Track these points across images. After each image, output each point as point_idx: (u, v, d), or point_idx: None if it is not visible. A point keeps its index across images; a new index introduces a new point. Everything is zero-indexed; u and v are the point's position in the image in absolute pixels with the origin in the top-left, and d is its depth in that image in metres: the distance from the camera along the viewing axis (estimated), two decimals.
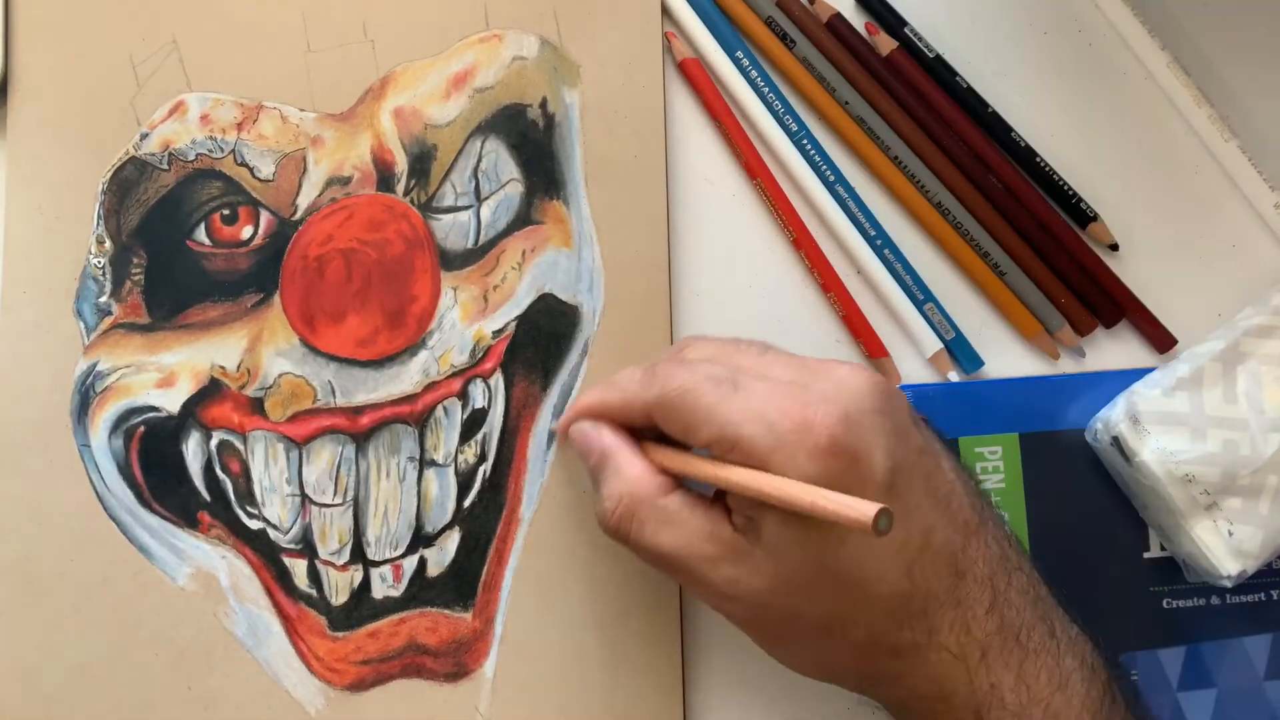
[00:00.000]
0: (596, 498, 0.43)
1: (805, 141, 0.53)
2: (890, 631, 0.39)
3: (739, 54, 0.53)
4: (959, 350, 0.52)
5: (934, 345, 0.52)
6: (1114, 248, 0.54)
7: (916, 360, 0.53)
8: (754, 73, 0.53)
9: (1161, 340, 0.53)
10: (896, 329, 0.53)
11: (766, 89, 0.53)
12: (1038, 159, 0.54)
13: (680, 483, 0.42)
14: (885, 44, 0.54)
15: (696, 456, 0.41)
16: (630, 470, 0.42)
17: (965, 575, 0.40)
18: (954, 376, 0.52)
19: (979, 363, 0.52)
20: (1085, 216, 0.53)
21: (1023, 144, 0.54)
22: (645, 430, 0.43)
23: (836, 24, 0.54)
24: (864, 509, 0.35)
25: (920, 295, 0.52)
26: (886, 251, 0.53)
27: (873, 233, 0.53)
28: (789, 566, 0.39)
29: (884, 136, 0.53)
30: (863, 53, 0.54)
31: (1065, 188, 0.53)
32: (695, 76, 0.53)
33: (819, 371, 0.40)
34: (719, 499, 0.41)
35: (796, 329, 0.52)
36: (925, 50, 0.54)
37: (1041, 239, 0.53)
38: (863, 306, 0.52)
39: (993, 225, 0.53)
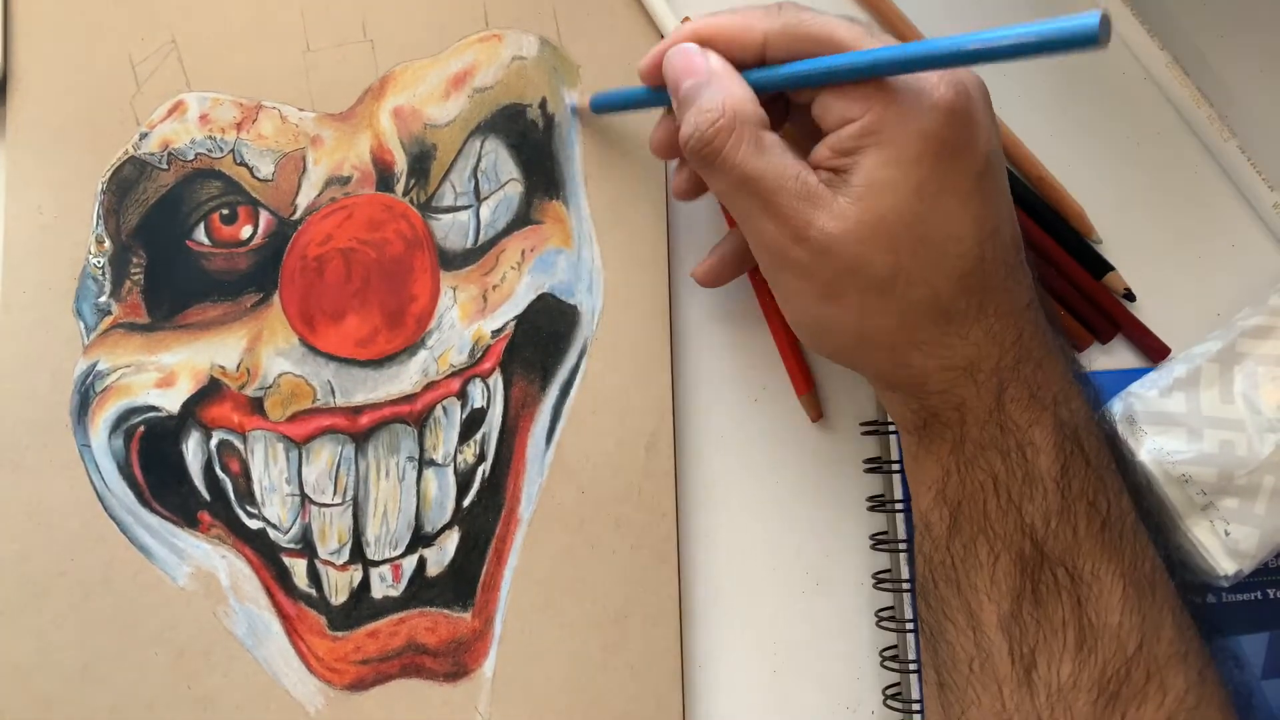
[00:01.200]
0: (685, 114, 0.42)
1: None
2: (951, 295, 0.40)
3: None
4: None
5: None
6: (1129, 296, 0.54)
7: None
8: None
9: (1156, 352, 0.53)
10: None
11: None
12: (1046, 207, 0.54)
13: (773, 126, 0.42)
14: None
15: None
16: (737, 89, 0.41)
17: (1015, 270, 0.41)
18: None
19: None
20: (1103, 266, 0.54)
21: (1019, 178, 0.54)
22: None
23: None
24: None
25: None
26: None
27: None
28: (874, 211, 0.39)
29: None
30: None
31: (1077, 238, 0.54)
32: None
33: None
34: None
35: None
36: None
37: (1031, 256, 0.53)
38: None
39: None
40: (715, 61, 0.42)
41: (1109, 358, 0.54)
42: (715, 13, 0.43)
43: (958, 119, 0.39)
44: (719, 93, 0.41)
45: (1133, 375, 0.51)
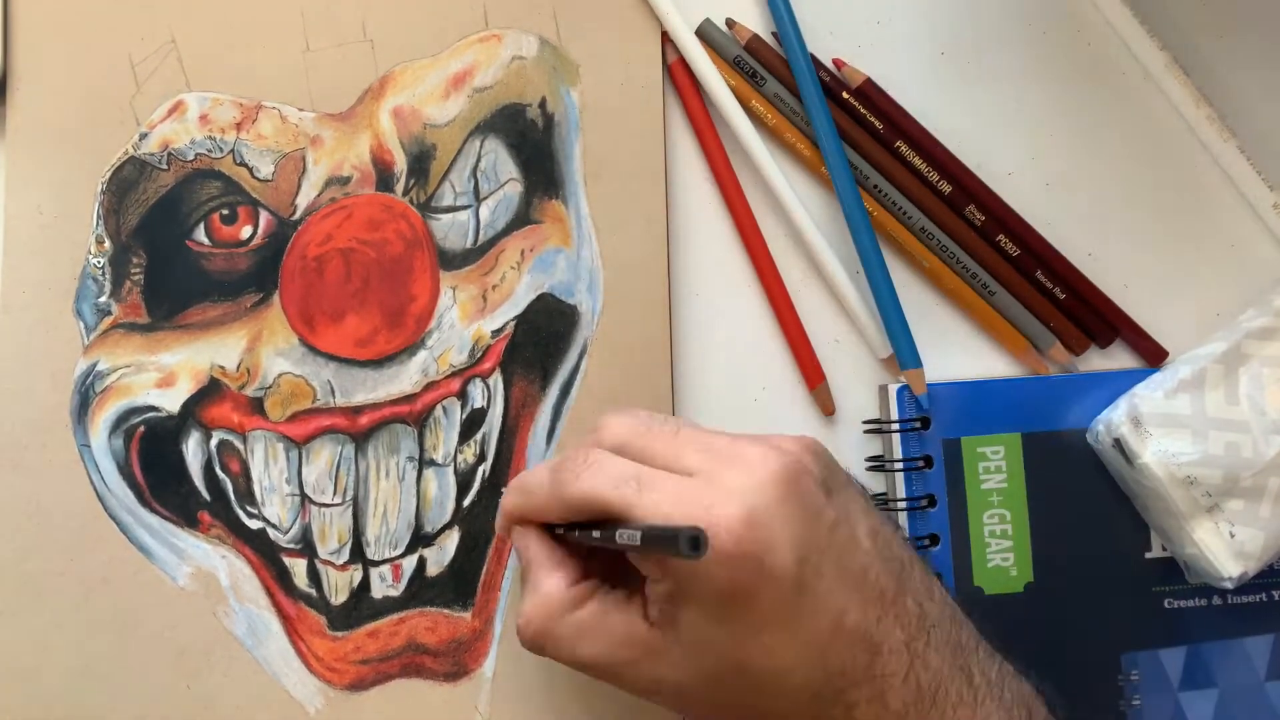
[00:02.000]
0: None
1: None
2: (808, 713, 0.40)
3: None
4: (900, 345, 0.52)
5: (886, 349, 0.52)
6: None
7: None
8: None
9: (1154, 355, 0.53)
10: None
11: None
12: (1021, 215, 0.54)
13: (597, 589, 0.42)
14: (854, 76, 0.53)
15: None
16: (544, 586, 0.42)
17: (880, 649, 0.40)
18: (904, 379, 0.52)
19: (916, 362, 0.52)
20: None
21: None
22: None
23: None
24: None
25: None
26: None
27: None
28: (706, 662, 0.39)
29: (860, 167, 0.53)
30: (834, 88, 0.53)
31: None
32: (681, 82, 0.53)
33: (730, 458, 0.39)
34: (636, 593, 0.41)
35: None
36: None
37: (1029, 263, 0.53)
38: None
39: (977, 250, 0.53)
40: (532, 549, 0.43)
41: (1106, 360, 0.54)
42: (518, 483, 0.44)
43: (740, 562, 0.37)
44: (530, 596, 0.42)
45: (1137, 376, 0.51)
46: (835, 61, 0.54)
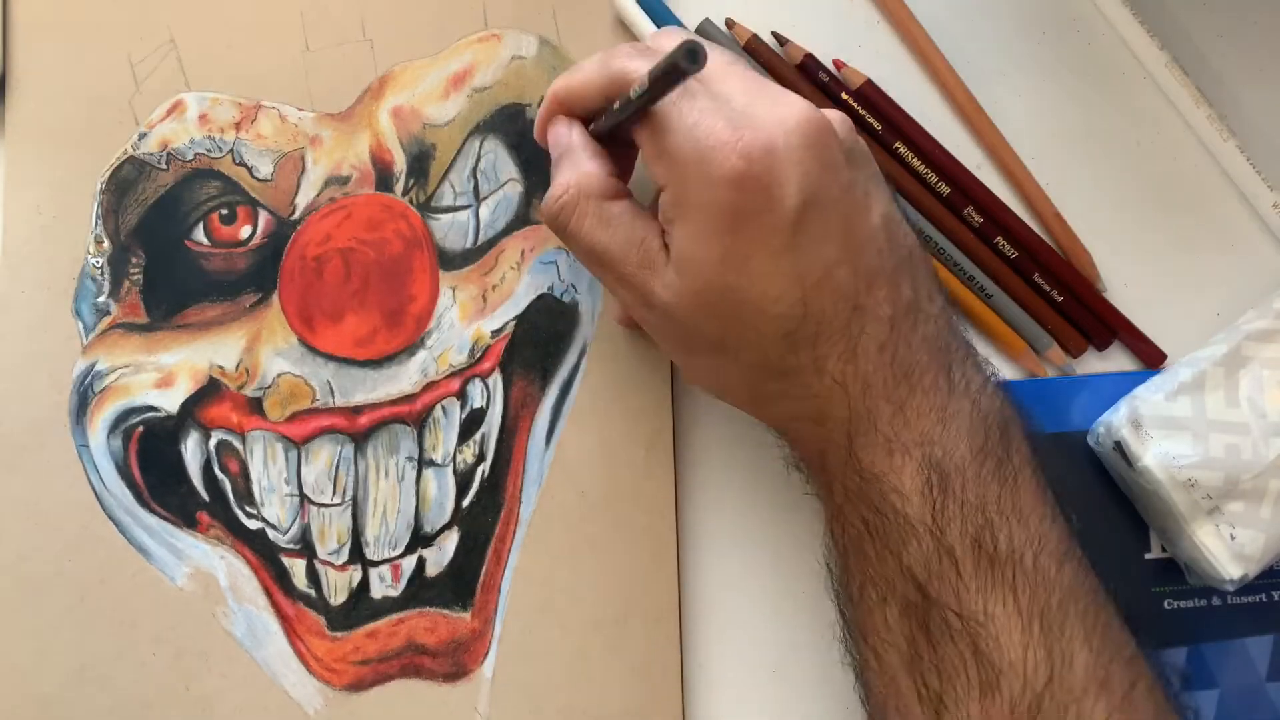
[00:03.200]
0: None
1: None
2: (780, 354, 0.41)
3: None
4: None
5: None
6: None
7: None
8: None
9: (1152, 357, 0.53)
10: None
11: None
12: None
13: (629, 193, 0.43)
14: (854, 77, 0.53)
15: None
16: (586, 164, 0.43)
17: (864, 311, 0.40)
18: None
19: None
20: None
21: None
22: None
23: (809, 64, 0.53)
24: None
25: None
26: None
27: None
28: (694, 283, 0.40)
29: None
30: (834, 90, 0.53)
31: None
32: None
33: (768, 96, 0.41)
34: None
35: None
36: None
37: (1027, 264, 0.53)
38: None
39: (975, 252, 0.53)
40: (575, 136, 0.44)
41: (1104, 362, 0.54)
42: (572, 69, 0.45)
43: (749, 185, 0.38)
44: (568, 170, 0.43)
45: (1138, 378, 0.51)
46: (835, 62, 0.54)
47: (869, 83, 0.53)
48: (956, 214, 0.53)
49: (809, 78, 0.53)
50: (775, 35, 0.53)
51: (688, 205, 0.39)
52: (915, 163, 0.53)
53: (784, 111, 0.39)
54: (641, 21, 0.52)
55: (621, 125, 0.42)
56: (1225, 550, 0.48)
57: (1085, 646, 0.39)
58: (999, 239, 0.53)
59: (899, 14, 0.54)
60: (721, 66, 0.42)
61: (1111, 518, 0.51)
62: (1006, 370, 0.53)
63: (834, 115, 0.42)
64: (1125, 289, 0.54)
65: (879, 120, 0.53)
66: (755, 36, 0.53)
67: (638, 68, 0.41)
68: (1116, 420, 0.49)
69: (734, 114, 0.39)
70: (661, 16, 0.52)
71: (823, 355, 0.40)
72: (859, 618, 0.42)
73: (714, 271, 0.39)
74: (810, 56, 0.53)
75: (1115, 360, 0.54)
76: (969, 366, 0.42)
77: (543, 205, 0.44)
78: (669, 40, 0.43)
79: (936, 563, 0.39)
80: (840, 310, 0.40)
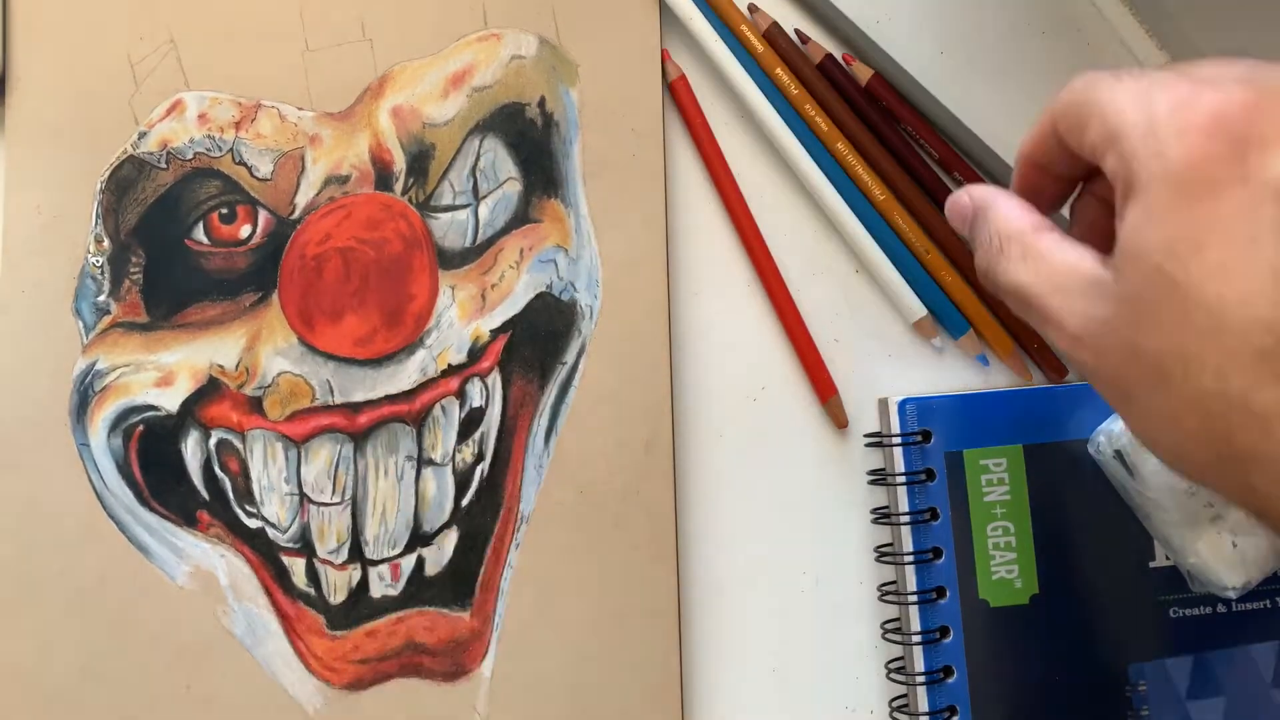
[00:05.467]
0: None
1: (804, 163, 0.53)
2: (1250, 383, 0.29)
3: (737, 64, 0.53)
4: (943, 315, 0.53)
5: (919, 311, 0.52)
6: None
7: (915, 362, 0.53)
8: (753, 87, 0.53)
9: None
10: (882, 298, 0.53)
11: (765, 103, 0.53)
12: None
13: (1058, 228, 0.35)
14: (862, 71, 0.53)
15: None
16: (1003, 209, 0.36)
17: None
18: (938, 343, 0.52)
19: (964, 327, 0.52)
20: None
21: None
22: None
23: (828, 64, 0.54)
24: None
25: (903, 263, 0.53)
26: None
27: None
28: (1131, 287, 0.31)
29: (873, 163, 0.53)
30: (844, 83, 0.54)
31: None
32: (683, 98, 0.53)
33: (1253, 67, 0.31)
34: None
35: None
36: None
37: None
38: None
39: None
40: (976, 192, 0.38)
41: None
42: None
43: (1224, 140, 0.29)
44: (985, 224, 0.37)
45: None
46: (845, 57, 0.54)
47: (876, 76, 0.53)
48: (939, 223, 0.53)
49: (827, 76, 0.53)
50: (798, 33, 0.54)
51: (1134, 178, 0.31)
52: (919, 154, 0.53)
53: (1272, 70, 0.31)
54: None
55: None
56: (1227, 558, 0.48)
57: None
58: None
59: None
60: (1202, 64, 0.33)
61: (1115, 527, 0.51)
62: (999, 375, 0.53)
63: None
64: None
65: (886, 113, 0.53)
66: (775, 24, 0.53)
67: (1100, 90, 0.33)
68: (1117, 429, 0.49)
69: (1205, 78, 0.31)
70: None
71: None
72: None
73: (1155, 264, 0.30)
74: (830, 56, 0.53)
75: None
76: None
77: (977, 270, 0.37)
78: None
79: None
80: None
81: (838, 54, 0.54)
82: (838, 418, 0.52)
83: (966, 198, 0.38)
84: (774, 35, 0.53)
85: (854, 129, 0.53)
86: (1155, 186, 0.30)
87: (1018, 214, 0.36)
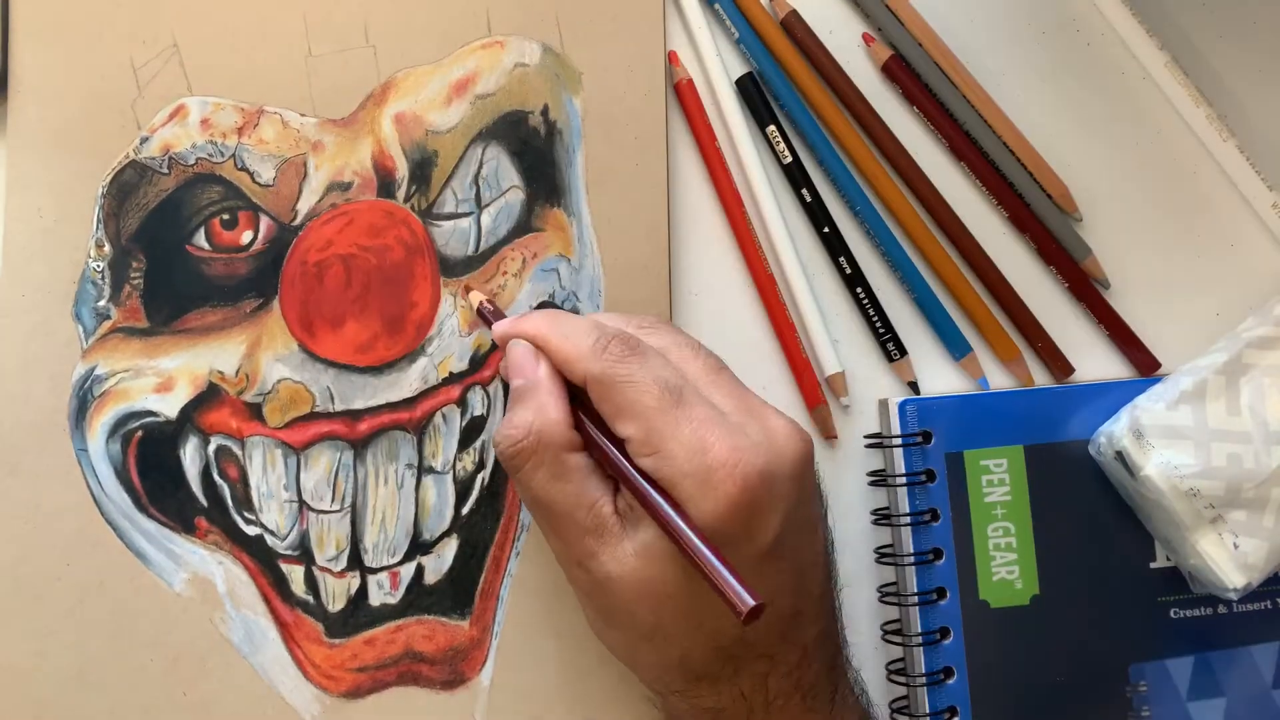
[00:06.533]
0: (505, 418, 0.43)
1: (800, 172, 0.53)
2: (704, 662, 0.41)
3: (751, 61, 0.54)
4: (946, 335, 0.53)
5: (833, 366, 0.52)
6: (1104, 284, 0.54)
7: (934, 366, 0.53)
8: (765, 87, 0.54)
9: (1145, 364, 0.53)
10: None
11: (778, 105, 0.54)
12: (1028, 204, 0.54)
13: (586, 447, 0.42)
14: (880, 53, 0.54)
15: (615, 451, 0.41)
16: (552, 412, 0.42)
17: (787, 640, 0.42)
18: (845, 401, 0.52)
19: (966, 348, 0.52)
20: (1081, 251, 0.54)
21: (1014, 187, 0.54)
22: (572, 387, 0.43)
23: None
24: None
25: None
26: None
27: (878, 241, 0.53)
28: (648, 572, 0.40)
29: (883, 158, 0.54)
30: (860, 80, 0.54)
31: (1053, 234, 0.54)
32: (688, 101, 0.53)
33: (758, 415, 0.41)
34: (610, 479, 0.42)
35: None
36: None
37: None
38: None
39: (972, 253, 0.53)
40: (543, 372, 0.43)
41: (1098, 368, 0.54)
42: (557, 321, 0.43)
43: (739, 514, 0.38)
44: (529, 412, 0.42)
45: (1138, 386, 0.51)
46: (865, 37, 0.54)
47: (894, 58, 0.53)
48: (950, 214, 0.53)
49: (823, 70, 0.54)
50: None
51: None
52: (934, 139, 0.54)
53: (779, 441, 0.40)
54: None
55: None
56: (1229, 559, 0.48)
57: None
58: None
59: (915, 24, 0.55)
60: (711, 372, 0.42)
61: (1115, 527, 0.51)
62: (998, 378, 0.53)
63: (810, 443, 0.42)
64: (1124, 288, 0.53)
65: (904, 98, 0.54)
66: (794, 12, 0.54)
67: (632, 387, 0.40)
68: (1118, 430, 0.49)
69: (733, 431, 0.39)
70: None
71: (741, 671, 0.41)
72: None
73: (676, 575, 0.39)
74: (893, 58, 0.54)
75: (1111, 366, 0.54)
76: (848, 681, 0.46)
77: (497, 439, 0.42)
78: (666, 333, 0.44)
79: None
80: (771, 637, 0.41)
81: (857, 40, 0.54)
82: (825, 427, 0.52)
83: (531, 365, 0.43)
84: (792, 23, 0.54)
85: (870, 122, 0.53)
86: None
87: (563, 424, 0.42)
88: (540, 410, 0.42)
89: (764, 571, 0.39)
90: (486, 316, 0.48)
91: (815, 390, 0.52)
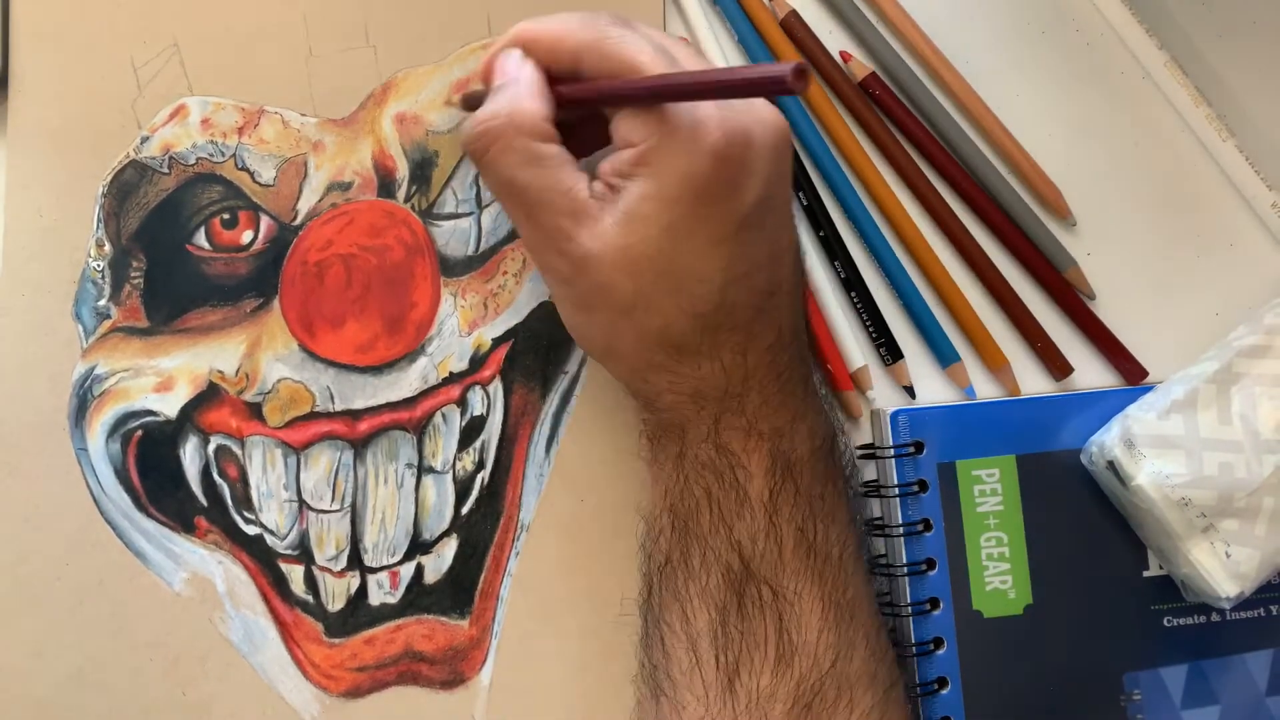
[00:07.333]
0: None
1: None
2: (683, 331, 0.42)
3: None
4: (934, 343, 0.53)
5: (857, 361, 0.52)
6: (1090, 295, 0.54)
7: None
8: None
9: (1133, 373, 0.53)
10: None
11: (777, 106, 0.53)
12: (1013, 219, 0.54)
13: (563, 143, 0.42)
14: (860, 70, 0.54)
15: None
16: (526, 101, 0.41)
17: (765, 315, 0.43)
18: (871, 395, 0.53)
19: (954, 356, 0.52)
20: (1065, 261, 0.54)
21: (998, 201, 0.54)
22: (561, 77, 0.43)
23: (871, 82, 0.54)
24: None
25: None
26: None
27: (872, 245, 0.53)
28: (627, 239, 0.40)
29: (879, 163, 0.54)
30: (840, 82, 0.54)
31: (1037, 246, 0.54)
32: None
33: (745, 99, 0.41)
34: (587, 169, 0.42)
35: None
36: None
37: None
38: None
39: (970, 255, 0.53)
40: (526, 71, 0.42)
41: (1085, 378, 0.54)
42: (546, 17, 0.43)
43: (725, 165, 0.39)
44: (505, 98, 0.42)
45: (1126, 395, 0.51)
46: (842, 54, 0.54)
47: (874, 75, 0.53)
48: (946, 216, 0.53)
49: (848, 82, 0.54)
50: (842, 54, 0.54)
51: (657, 165, 0.40)
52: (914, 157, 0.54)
53: (760, 111, 0.41)
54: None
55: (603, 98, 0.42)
56: (1221, 568, 0.48)
57: (864, 642, 0.43)
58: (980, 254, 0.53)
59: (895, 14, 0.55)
60: (696, 55, 0.43)
61: (1108, 536, 0.51)
62: (986, 387, 0.53)
63: (786, 120, 0.43)
64: (1124, 289, 0.54)
65: (883, 113, 0.54)
66: (794, 12, 0.54)
67: (629, 42, 0.40)
68: (1109, 439, 0.49)
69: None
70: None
71: (721, 343, 0.42)
72: (675, 583, 0.44)
73: (656, 234, 0.40)
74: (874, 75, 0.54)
75: (1102, 374, 0.54)
76: (817, 383, 0.46)
77: (465, 125, 0.42)
78: (648, 30, 0.43)
79: (763, 539, 0.43)
80: (748, 309, 0.42)
81: (844, 47, 0.55)
82: (849, 409, 0.52)
83: (514, 64, 0.43)
84: (791, 24, 0.54)
85: (870, 122, 0.54)
86: (676, 177, 0.39)
87: (539, 113, 0.41)
88: (514, 100, 0.41)
89: (743, 239, 0.41)
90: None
91: (845, 377, 0.52)
